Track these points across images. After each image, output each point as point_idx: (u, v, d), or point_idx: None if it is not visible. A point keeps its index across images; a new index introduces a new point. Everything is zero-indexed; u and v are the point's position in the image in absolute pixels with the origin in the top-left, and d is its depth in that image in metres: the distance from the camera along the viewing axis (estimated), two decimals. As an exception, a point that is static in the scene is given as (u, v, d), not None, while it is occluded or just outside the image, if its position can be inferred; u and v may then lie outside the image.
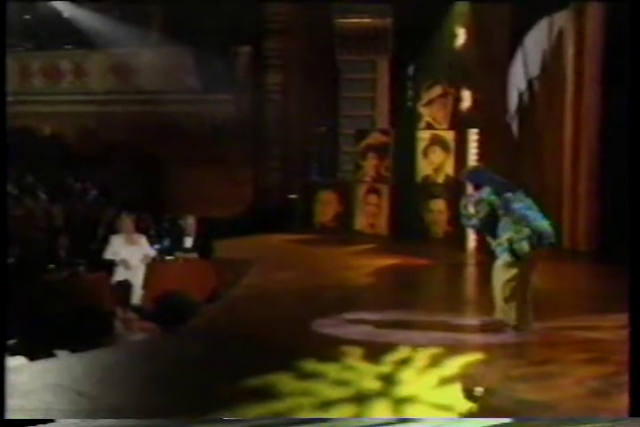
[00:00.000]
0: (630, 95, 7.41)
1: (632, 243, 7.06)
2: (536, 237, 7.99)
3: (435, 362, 7.04)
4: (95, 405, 5.98)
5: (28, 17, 20.61)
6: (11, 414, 5.77)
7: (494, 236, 8.17)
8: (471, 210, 8.32)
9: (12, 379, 6.60)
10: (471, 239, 14.97)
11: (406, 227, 16.88)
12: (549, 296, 9.30)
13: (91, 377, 6.73)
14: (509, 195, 8.11)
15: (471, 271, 13.34)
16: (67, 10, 20.10)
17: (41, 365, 7.11)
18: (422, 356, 7.24)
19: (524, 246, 7.99)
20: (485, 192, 8.16)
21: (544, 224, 8.07)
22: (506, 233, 8.04)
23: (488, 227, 8.23)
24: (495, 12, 15.09)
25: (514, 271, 8.08)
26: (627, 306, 6.72)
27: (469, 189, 8.70)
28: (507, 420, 6.09)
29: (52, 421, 5.93)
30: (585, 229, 14.56)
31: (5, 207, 7.76)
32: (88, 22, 20.04)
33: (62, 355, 7.53)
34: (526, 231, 7.98)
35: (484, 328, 8.39)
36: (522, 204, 8.09)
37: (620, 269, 7.96)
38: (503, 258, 8.11)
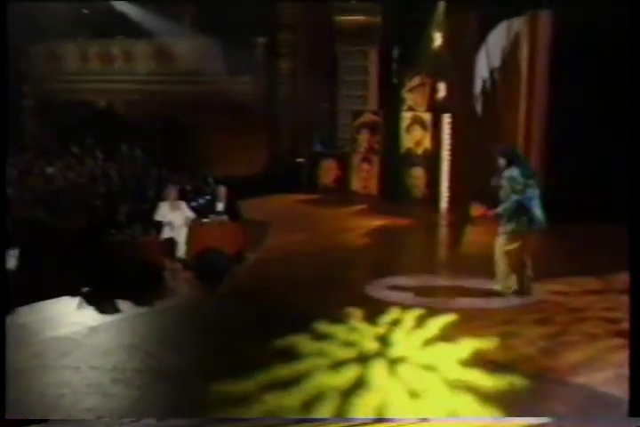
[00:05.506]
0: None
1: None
2: (528, 222, 7.95)
3: (420, 323, 7.15)
4: (160, 364, 6.11)
5: (86, 11, 20.41)
6: (93, 373, 5.84)
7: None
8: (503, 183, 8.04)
9: (92, 338, 6.78)
10: (444, 201, 15.08)
11: (392, 189, 16.95)
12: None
13: (154, 338, 6.87)
14: (531, 182, 7.97)
15: (444, 232, 13.40)
16: (118, 6, 19.97)
17: (113, 325, 7.30)
18: (410, 316, 7.36)
19: (512, 226, 7.99)
20: (515, 172, 7.94)
21: (540, 214, 7.99)
22: (509, 212, 7.98)
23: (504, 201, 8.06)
24: (466, 19, 14.90)
25: (512, 246, 8.05)
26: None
27: (500, 162, 8.10)
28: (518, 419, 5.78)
29: (45, 421, 5.70)
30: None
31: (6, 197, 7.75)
32: (135, 16, 19.97)
33: (127, 315, 7.69)
34: (523, 219, 7.94)
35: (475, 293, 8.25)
36: (532, 193, 7.99)
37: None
38: (500, 230, 8.12)
